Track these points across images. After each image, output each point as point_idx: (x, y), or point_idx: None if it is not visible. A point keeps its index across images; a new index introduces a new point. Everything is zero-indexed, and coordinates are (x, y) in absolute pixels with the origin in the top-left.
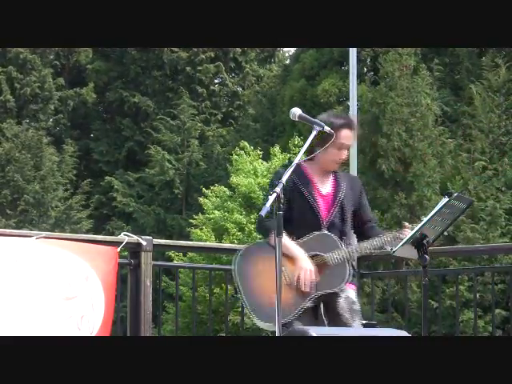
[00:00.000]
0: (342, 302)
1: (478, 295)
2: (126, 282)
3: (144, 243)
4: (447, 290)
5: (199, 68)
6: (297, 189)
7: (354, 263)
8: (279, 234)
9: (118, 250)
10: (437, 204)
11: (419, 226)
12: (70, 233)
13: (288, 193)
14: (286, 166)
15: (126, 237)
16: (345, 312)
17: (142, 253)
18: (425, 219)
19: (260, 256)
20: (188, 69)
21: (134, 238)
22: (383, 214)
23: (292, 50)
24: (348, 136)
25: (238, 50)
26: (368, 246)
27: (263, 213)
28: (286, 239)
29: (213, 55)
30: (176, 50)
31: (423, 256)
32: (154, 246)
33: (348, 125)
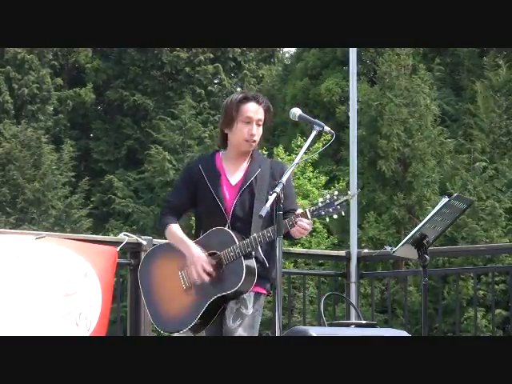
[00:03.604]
0: (231, 304)
1: (481, 293)
2: (125, 283)
3: (144, 243)
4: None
5: (198, 69)
6: (202, 183)
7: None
8: (279, 234)
9: (118, 249)
10: (436, 204)
11: (419, 225)
12: (69, 231)
13: (192, 188)
14: (198, 160)
15: (125, 237)
16: (227, 316)
17: (142, 253)
18: (425, 219)
19: (162, 258)
20: (187, 69)
21: (134, 238)
22: (380, 215)
23: (292, 50)
24: (254, 109)
25: (238, 50)
26: (261, 234)
27: (263, 213)
28: (175, 234)
29: (212, 56)
30: (175, 50)
31: (423, 256)
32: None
33: (251, 97)
